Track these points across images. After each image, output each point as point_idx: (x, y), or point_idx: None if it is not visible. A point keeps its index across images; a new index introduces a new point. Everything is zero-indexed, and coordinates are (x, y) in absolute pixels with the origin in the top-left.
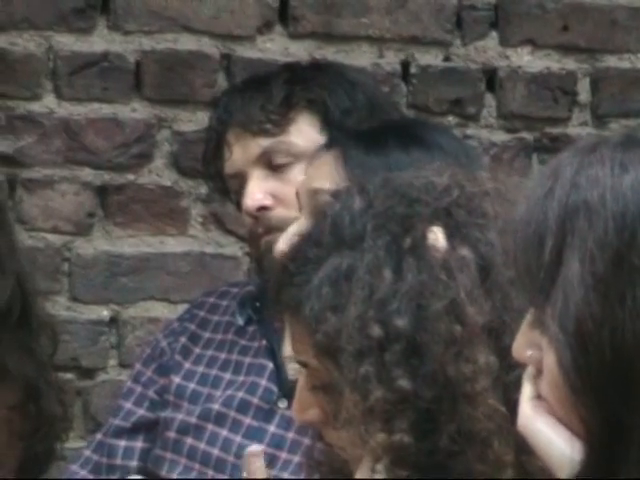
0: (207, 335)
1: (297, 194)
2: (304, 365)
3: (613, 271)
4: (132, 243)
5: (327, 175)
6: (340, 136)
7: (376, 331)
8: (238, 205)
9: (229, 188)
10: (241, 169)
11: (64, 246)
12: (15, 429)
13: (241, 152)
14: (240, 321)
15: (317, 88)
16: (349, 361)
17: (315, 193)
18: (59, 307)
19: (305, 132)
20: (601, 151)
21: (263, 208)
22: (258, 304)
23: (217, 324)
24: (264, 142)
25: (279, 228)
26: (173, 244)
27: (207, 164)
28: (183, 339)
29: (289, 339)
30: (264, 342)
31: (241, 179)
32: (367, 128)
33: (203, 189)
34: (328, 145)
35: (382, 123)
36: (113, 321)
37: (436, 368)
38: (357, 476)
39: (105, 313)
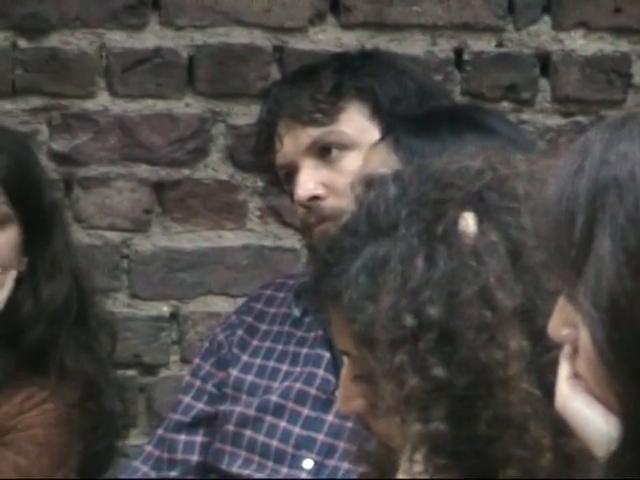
0: (264, 327)
1: (351, 186)
2: (346, 354)
3: None
4: (190, 238)
5: (380, 163)
6: (393, 123)
7: (409, 321)
8: (291, 195)
9: (281, 179)
10: (292, 159)
11: (122, 243)
12: (75, 427)
13: (292, 143)
14: (296, 312)
15: (366, 77)
16: (384, 351)
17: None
18: (119, 304)
19: (355, 121)
20: (630, 127)
21: (315, 197)
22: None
23: (274, 316)
24: (314, 132)
25: (332, 217)
26: (231, 238)
27: (259, 156)
28: (240, 332)
29: (335, 331)
30: (320, 332)
31: (292, 169)
32: (420, 114)
33: (260, 182)
34: (383, 134)
35: (434, 108)
36: (173, 317)
37: (469, 355)
38: (400, 466)
39: (165, 309)
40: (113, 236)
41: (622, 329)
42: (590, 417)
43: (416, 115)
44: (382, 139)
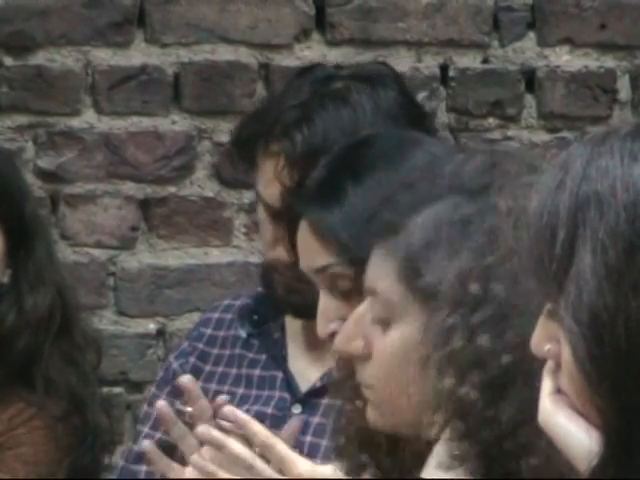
0: (215, 351)
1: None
2: (372, 294)
3: (625, 261)
4: (176, 255)
5: (317, 249)
6: (299, 203)
7: (475, 288)
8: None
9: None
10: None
11: (109, 260)
12: (61, 444)
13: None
14: (242, 334)
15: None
16: (441, 306)
17: (323, 270)
18: (106, 322)
19: None
20: (611, 142)
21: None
22: (256, 317)
23: (224, 339)
24: None
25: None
26: (217, 255)
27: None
28: (193, 359)
29: (370, 268)
30: (269, 354)
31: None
32: (318, 180)
33: (246, 199)
34: (294, 216)
35: (331, 164)
36: (160, 334)
37: (519, 339)
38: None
39: (152, 326)
40: (99, 253)
41: (603, 343)
42: (572, 432)
43: (314, 183)
44: (297, 221)
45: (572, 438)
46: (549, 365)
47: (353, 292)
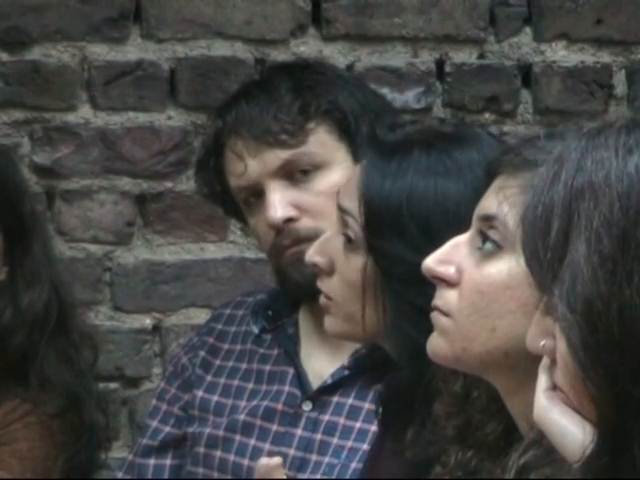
0: (226, 346)
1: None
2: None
3: (620, 249)
4: (172, 251)
5: (353, 193)
6: (366, 147)
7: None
8: (240, 217)
9: (237, 200)
10: (257, 182)
11: (105, 256)
12: (57, 441)
13: (257, 164)
14: (255, 329)
15: (328, 95)
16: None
17: (343, 212)
18: (102, 317)
19: (324, 141)
20: (606, 135)
21: (289, 220)
22: (270, 312)
23: (235, 335)
24: (283, 154)
25: (307, 238)
26: (213, 250)
27: (207, 173)
28: (202, 353)
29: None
30: (282, 350)
31: (256, 191)
32: (395, 140)
33: None
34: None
35: (410, 136)
36: (156, 329)
37: None
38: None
39: (148, 321)
40: (95, 249)
41: (597, 332)
42: (567, 428)
43: (391, 142)
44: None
45: (567, 433)
46: (544, 361)
47: (351, 246)
